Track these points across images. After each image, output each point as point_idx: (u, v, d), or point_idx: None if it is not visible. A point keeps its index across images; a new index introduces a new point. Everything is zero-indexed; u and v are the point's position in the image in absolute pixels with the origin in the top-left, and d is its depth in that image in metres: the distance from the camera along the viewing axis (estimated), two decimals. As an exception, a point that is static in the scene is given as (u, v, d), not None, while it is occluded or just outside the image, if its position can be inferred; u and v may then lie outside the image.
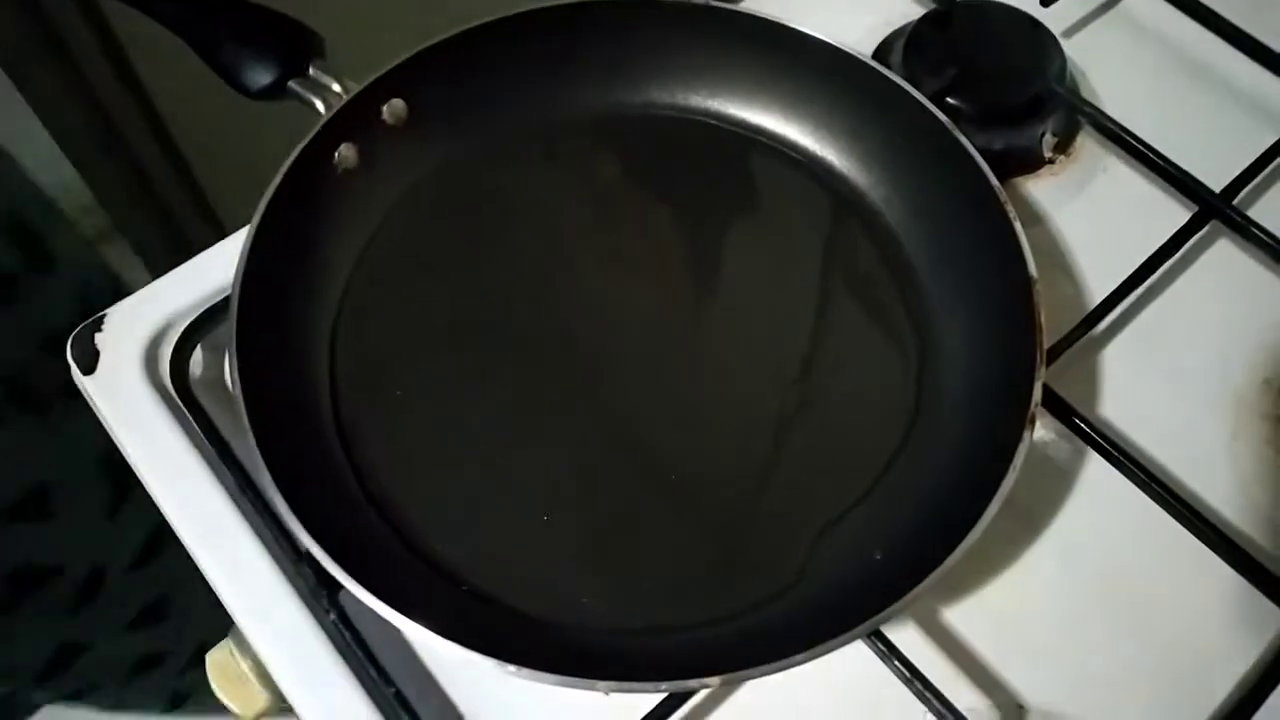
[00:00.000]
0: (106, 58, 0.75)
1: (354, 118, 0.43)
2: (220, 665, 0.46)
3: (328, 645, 0.38)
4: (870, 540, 0.38)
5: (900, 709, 0.37)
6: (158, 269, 0.46)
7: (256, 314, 0.39)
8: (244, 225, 0.41)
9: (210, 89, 0.45)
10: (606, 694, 0.32)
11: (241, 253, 0.39)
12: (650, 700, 0.36)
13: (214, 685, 0.46)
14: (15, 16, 0.80)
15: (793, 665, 0.32)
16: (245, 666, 0.45)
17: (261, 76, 0.43)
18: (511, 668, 0.32)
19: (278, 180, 0.40)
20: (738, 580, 0.38)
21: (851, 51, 0.45)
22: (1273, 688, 0.37)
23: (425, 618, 0.32)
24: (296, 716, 0.38)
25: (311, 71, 0.43)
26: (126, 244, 1.22)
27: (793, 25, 0.45)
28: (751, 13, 0.46)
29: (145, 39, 0.74)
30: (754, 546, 0.39)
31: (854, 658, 0.37)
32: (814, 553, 0.38)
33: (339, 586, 0.37)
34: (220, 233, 0.46)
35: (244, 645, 0.45)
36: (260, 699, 0.45)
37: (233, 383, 0.37)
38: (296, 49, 0.43)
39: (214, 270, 0.45)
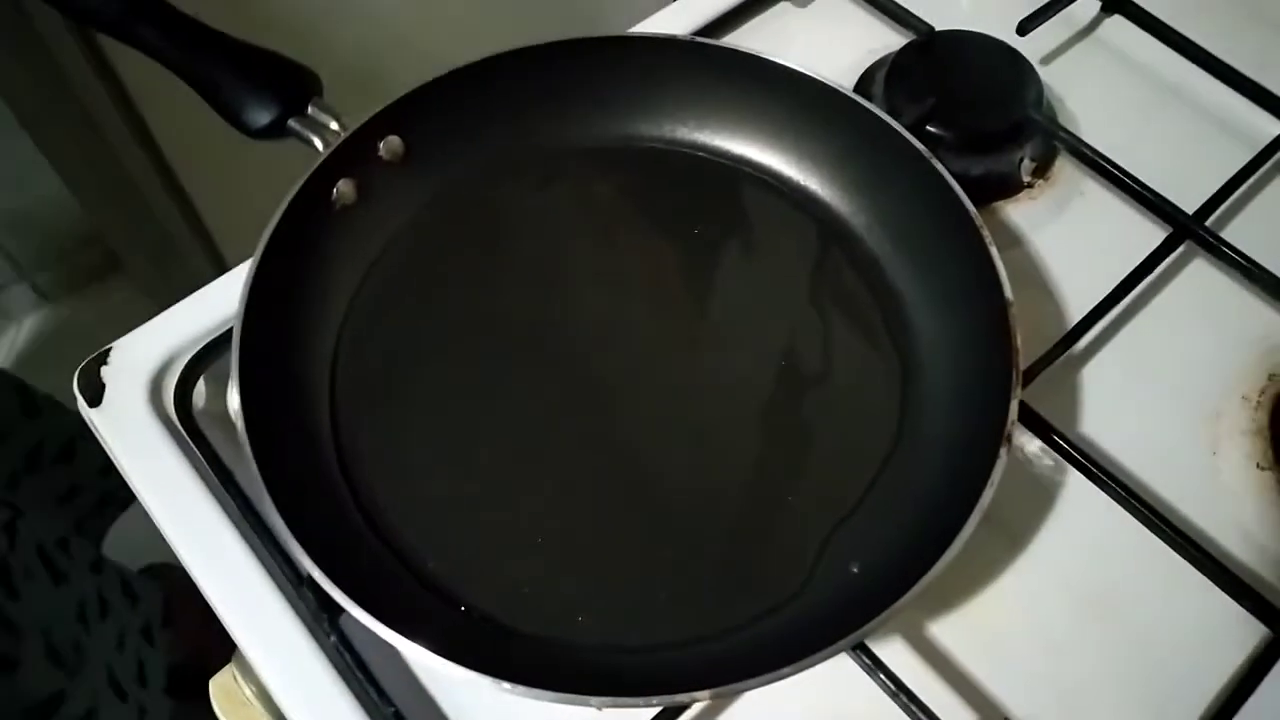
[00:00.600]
0: (112, 99, 0.77)
1: (352, 154, 0.44)
2: (224, 690, 0.47)
3: (329, 667, 0.39)
4: (857, 556, 0.39)
5: (888, 723, 0.38)
6: (161, 303, 0.47)
7: (259, 345, 0.40)
8: (246, 260, 0.42)
9: (212, 127, 0.46)
10: (599, 709, 0.33)
11: (244, 286, 0.40)
12: (643, 716, 0.37)
13: (217, 710, 0.47)
14: (24, 62, 0.81)
15: (780, 678, 0.33)
16: (249, 692, 0.46)
17: (262, 116, 0.44)
18: (507, 685, 0.32)
19: (278, 216, 0.41)
20: (729, 597, 0.39)
21: (833, 84, 0.46)
22: (1245, 699, 0.38)
23: (422, 638, 0.33)
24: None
25: (310, 110, 0.45)
26: (125, 277, 1.24)
27: (777, 60, 0.47)
28: (736, 47, 0.48)
29: (150, 81, 0.75)
30: (746, 565, 0.40)
31: (842, 673, 0.38)
32: (806, 570, 0.39)
33: (339, 610, 0.38)
34: (222, 267, 0.48)
35: (247, 670, 0.46)
36: (263, 722, 0.46)
37: (236, 413, 0.38)
38: (295, 88, 0.45)
39: (217, 304, 0.47)
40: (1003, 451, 0.37)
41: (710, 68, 0.48)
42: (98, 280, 1.35)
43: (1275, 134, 0.52)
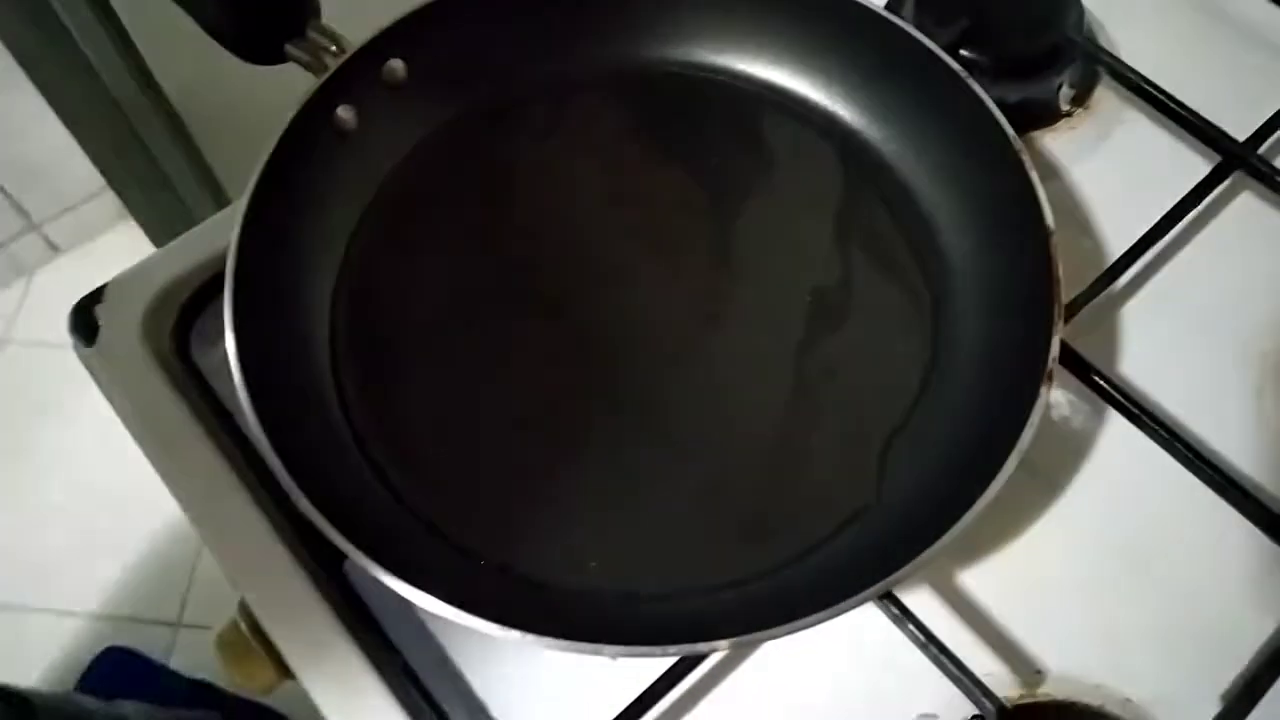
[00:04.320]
0: (107, 35, 0.75)
1: (352, 78, 0.42)
2: (227, 641, 0.46)
3: (333, 617, 0.37)
4: (886, 500, 0.38)
5: (916, 674, 0.36)
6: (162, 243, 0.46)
7: (254, 277, 0.38)
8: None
9: (210, 58, 0.44)
10: (614, 659, 0.31)
11: (239, 214, 0.38)
12: (659, 666, 0.36)
13: (221, 661, 0.46)
14: (23, 6, 0.79)
15: (804, 627, 0.31)
16: (254, 642, 0.45)
17: (258, 39, 0.42)
18: (518, 634, 0.31)
19: (275, 141, 0.39)
20: (750, 543, 0.37)
21: (864, 2, 0.44)
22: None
23: (432, 588, 0.32)
24: (304, 688, 0.38)
25: (308, 33, 0.42)
26: (136, 227, 1.22)
27: (804, -23, 0.44)
28: (760, -34, 0.45)
29: (149, 20, 0.73)
30: (770, 510, 0.38)
31: (869, 623, 0.36)
32: (832, 516, 0.38)
33: (344, 557, 0.36)
34: (223, 204, 0.46)
35: (250, 620, 0.45)
36: (268, 673, 0.44)
37: (228, 348, 0.36)
38: (292, 11, 0.42)
39: (215, 239, 0.45)
40: (1043, 390, 0.35)
41: (733, -13, 0.45)
42: (108, 230, 1.34)
43: (1332, 59, 0.49)
